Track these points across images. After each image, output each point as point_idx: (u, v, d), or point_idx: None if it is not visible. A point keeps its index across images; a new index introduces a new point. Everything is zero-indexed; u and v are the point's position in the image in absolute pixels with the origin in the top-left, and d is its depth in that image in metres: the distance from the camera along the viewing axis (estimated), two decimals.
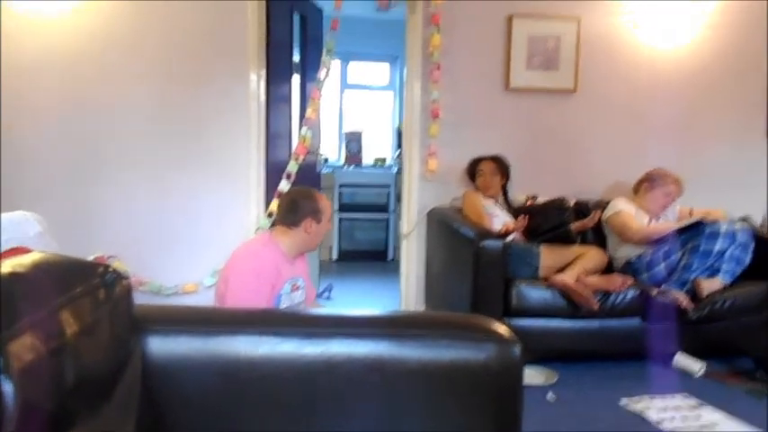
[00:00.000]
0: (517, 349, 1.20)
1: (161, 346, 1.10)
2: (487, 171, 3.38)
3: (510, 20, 3.57)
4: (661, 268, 3.00)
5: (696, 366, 2.79)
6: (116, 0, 3.27)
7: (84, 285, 0.92)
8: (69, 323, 0.85)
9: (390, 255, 5.69)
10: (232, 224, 3.43)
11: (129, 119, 3.38)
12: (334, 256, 5.64)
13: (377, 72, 6.45)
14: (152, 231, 3.40)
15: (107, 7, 3.28)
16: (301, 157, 3.41)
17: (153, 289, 3.31)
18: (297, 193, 2.38)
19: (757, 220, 3.42)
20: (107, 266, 1.00)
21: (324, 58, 3.39)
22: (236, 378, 1.13)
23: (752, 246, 2.94)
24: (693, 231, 2.96)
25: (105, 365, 0.94)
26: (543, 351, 2.81)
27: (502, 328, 1.22)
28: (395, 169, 5.70)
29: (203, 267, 3.38)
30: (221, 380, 1.14)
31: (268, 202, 3.45)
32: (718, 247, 2.87)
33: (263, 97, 3.51)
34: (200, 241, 3.43)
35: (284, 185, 3.37)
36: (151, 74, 3.37)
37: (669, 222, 3.24)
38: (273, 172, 3.53)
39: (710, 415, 2.39)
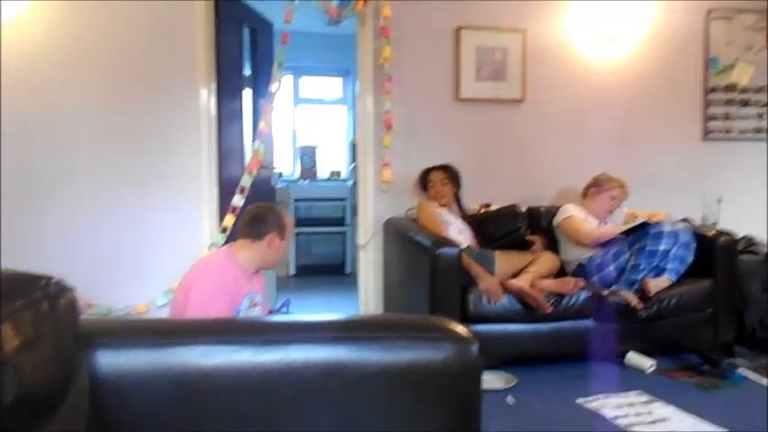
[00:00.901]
0: (475, 348, 1.21)
1: (110, 360, 1.06)
2: (438, 180, 3.43)
3: (458, 32, 3.66)
4: (611, 269, 3.10)
5: (647, 364, 2.88)
6: (62, 13, 3.19)
7: (25, 298, 0.88)
8: (10, 337, 0.81)
9: (348, 268, 5.66)
10: (184, 241, 3.35)
11: (76, 133, 3.27)
12: (292, 271, 5.58)
13: (329, 86, 6.47)
14: (101, 251, 3.29)
15: (52, 19, 3.18)
16: (255, 171, 3.38)
17: (102, 311, 3.19)
18: (263, 207, 2.37)
19: (696, 220, 3.59)
20: (50, 278, 0.96)
21: (275, 71, 3.38)
22: (190, 390, 1.10)
23: (694, 245, 3.08)
24: (639, 233, 3.07)
25: (49, 381, 0.89)
26: (501, 356, 2.85)
27: (459, 328, 1.23)
28: (350, 182, 5.71)
29: (155, 286, 3.28)
30: (175, 393, 1.10)
31: (221, 218, 3.39)
32: (662, 246, 2.98)
33: (213, 112, 3.47)
34: (152, 259, 3.33)
35: (238, 200, 3.32)
36: (99, 89, 3.28)
37: (617, 225, 3.36)
38: (227, 187, 3.48)
39: (662, 410, 2.47)
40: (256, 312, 2.23)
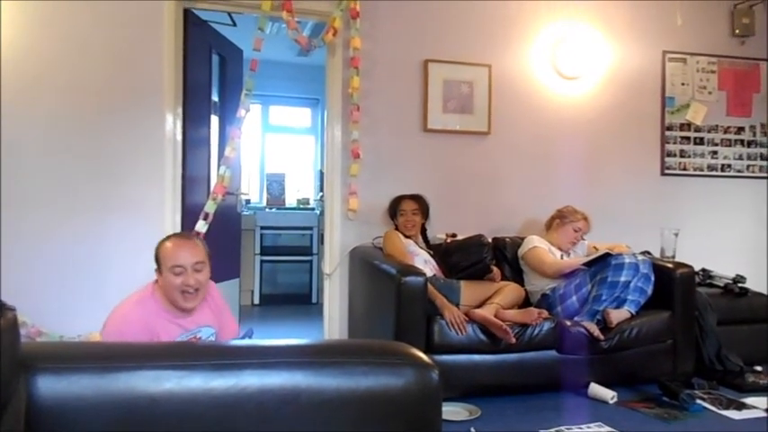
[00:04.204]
0: (435, 373, 1.19)
1: (51, 385, 1.00)
2: (409, 210, 3.44)
3: (426, 64, 3.73)
4: (573, 300, 3.12)
5: (609, 395, 2.89)
6: (26, 34, 3.13)
7: None
8: None
9: (315, 298, 5.59)
10: (144, 268, 3.25)
11: (36, 157, 3.18)
12: (256, 300, 5.48)
13: (298, 116, 6.50)
14: (57, 277, 3.18)
15: (15, 41, 3.12)
16: (219, 197, 3.33)
17: (52, 339, 3.05)
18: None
19: (656, 252, 3.67)
20: None
21: (243, 98, 3.38)
22: (138, 418, 1.05)
23: (653, 277, 3.13)
24: (601, 264, 3.12)
25: None
26: (465, 387, 2.83)
27: (419, 353, 1.22)
28: (318, 211, 5.68)
29: None
30: (121, 421, 1.05)
31: None
32: (623, 278, 3.03)
33: (179, 138, 3.43)
34: (111, 287, 3.21)
35: (201, 226, 3.26)
36: (62, 112, 3.21)
37: (579, 257, 3.41)
38: (191, 215, 3.41)
39: None
40: None
